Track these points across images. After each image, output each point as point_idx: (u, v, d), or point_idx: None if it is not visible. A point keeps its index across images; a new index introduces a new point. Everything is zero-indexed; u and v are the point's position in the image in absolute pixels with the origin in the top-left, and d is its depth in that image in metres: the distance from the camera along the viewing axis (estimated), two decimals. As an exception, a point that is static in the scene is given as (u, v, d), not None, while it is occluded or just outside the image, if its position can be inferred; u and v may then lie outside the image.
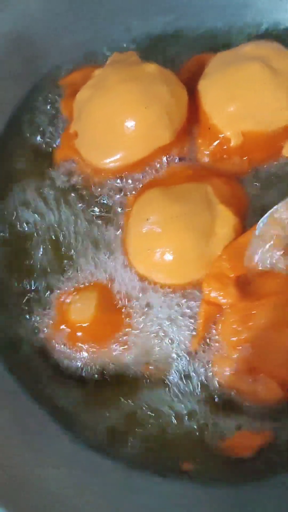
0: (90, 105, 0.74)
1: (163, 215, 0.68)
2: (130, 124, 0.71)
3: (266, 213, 0.69)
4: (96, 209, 0.77)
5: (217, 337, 0.66)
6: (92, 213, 0.77)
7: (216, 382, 0.65)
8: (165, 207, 0.69)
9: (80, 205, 0.77)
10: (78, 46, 0.86)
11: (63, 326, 0.71)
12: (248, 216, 0.74)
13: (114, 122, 0.72)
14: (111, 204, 0.76)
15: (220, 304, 0.65)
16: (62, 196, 0.78)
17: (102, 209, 0.77)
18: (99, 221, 0.76)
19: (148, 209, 0.70)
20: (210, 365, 0.66)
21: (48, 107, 0.83)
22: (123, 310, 0.71)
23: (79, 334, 0.70)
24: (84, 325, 0.70)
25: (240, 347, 0.62)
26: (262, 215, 0.71)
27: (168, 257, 0.67)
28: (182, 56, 0.85)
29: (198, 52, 0.84)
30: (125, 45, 0.87)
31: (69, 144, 0.77)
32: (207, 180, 0.72)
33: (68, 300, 0.72)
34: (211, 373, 0.66)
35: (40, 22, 0.83)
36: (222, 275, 0.65)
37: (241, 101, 0.73)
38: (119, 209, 0.76)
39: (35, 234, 0.76)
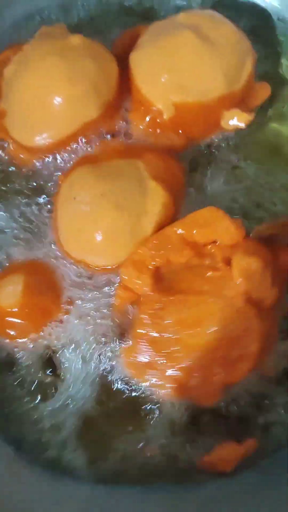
0: (16, 81, 0.72)
1: (91, 193, 0.66)
2: (55, 100, 0.69)
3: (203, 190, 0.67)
4: (27, 190, 0.75)
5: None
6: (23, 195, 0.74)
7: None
8: (92, 184, 0.66)
9: (9, 185, 0.75)
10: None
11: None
12: (184, 193, 0.71)
13: (40, 98, 0.69)
14: (41, 183, 0.74)
15: (135, 292, 0.63)
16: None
17: (33, 190, 0.74)
18: (31, 203, 0.73)
19: (76, 187, 0.67)
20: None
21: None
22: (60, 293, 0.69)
23: (9, 319, 0.67)
24: (13, 310, 0.67)
25: (144, 342, 0.61)
26: (198, 192, 0.71)
27: (98, 237, 0.65)
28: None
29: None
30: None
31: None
32: (139, 156, 0.69)
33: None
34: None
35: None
36: (141, 263, 0.63)
37: (171, 72, 0.69)
38: (51, 189, 0.74)
39: None
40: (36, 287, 0.68)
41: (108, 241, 0.65)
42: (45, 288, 0.69)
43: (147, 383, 0.62)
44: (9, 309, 0.67)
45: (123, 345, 0.65)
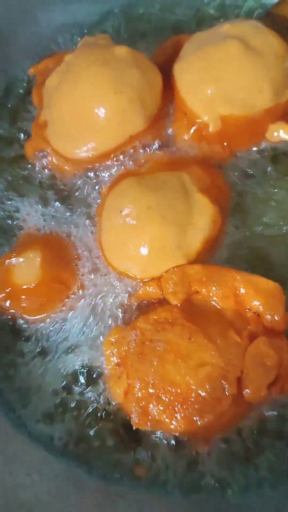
0: (59, 92, 0.71)
1: (137, 207, 0.65)
2: (100, 111, 0.68)
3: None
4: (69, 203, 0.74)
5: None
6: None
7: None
8: (138, 198, 0.65)
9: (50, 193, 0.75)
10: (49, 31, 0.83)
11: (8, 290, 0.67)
12: (229, 204, 0.70)
13: (83, 109, 0.69)
14: (84, 194, 0.74)
15: (164, 295, 0.62)
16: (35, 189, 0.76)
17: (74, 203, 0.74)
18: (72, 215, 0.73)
19: (121, 201, 0.67)
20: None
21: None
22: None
23: (25, 297, 0.67)
24: (31, 286, 0.67)
25: (134, 336, 0.60)
26: (242, 204, 0.69)
27: (144, 250, 0.64)
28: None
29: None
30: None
31: (39, 134, 0.74)
32: (184, 168, 0.69)
33: (9, 263, 0.68)
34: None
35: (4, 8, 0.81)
36: (188, 278, 0.62)
37: (218, 83, 0.68)
38: (93, 202, 0.73)
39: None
40: (52, 262, 0.68)
41: (155, 255, 0.64)
42: (61, 262, 0.69)
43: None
44: (26, 286, 0.66)
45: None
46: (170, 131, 0.73)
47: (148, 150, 0.72)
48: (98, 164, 0.73)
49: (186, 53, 0.72)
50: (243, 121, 0.69)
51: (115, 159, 0.72)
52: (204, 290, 0.62)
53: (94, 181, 0.74)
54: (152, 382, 0.57)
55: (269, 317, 0.60)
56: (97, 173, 0.74)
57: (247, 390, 0.56)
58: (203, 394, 0.55)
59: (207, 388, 0.55)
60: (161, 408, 0.56)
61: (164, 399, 0.56)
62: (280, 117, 0.71)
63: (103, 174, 0.74)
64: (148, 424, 0.57)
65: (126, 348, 0.60)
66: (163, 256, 0.64)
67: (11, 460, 0.61)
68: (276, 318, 0.60)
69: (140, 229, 0.64)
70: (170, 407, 0.56)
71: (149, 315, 0.61)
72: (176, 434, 0.59)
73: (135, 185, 0.67)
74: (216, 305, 0.62)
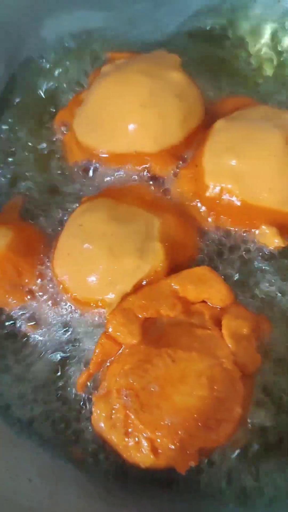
0: (103, 80, 0.72)
1: (95, 228, 0.66)
2: (121, 115, 0.70)
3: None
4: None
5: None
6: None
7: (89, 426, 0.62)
8: (101, 220, 0.66)
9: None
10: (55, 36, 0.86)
11: None
12: (188, 263, 0.70)
13: (111, 106, 0.71)
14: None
15: (120, 342, 0.61)
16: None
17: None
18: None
19: (87, 215, 0.68)
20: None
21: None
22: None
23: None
24: None
25: (124, 393, 0.57)
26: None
27: (80, 267, 0.66)
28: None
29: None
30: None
31: (72, 108, 0.77)
32: (160, 212, 0.69)
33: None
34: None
35: (13, 13, 0.81)
36: (130, 312, 0.61)
37: (241, 161, 0.67)
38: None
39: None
40: (19, 248, 0.69)
41: (87, 275, 0.65)
42: (26, 252, 0.70)
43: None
44: None
45: (96, 392, 0.61)
46: (173, 172, 0.73)
47: (144, 178, 0.73)
48: (99, 163, 0.74)
49: (234, 117, 0.73)
50: (243, 206, 0.69)
51: (115, 166, 0.74)
52: (150, 311, 0.62)
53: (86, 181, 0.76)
54: (170, 421, 0.55)
55: (216, 296, 0.62)
56: (96, 171, 0.75)
57: (245, 365, 0.59)
58: (220, 395, 0.57)
59: (219, 388, 0.57)
60: (197, 431, 0.55)
61: (195, 423, 0.56)
62: (275, 223, 0.70)
63: (97, 174, 0.75)
64: (193, 461, 0.56)
65: (118, 411, 0.58)
66: (97, 284, 0.64)
67: (12, 464, 0.60)
68: (223, 294, 0.62)
69: (86, 248, 0.65)
70: (203, 425, 0.56)
71: (122, 367, 0.59)
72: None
73: (107, 208, 0.68)
74: (170, 317, 0.62)
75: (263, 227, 0.69)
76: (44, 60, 0.87)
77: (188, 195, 0.71)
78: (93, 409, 0.59)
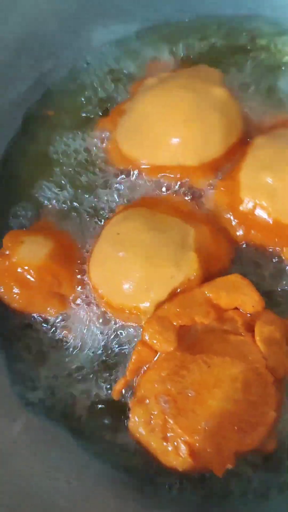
0: (147, 93, 0.75)
1: (132, 236, 0.67)
2: (164, 128, 0.72)
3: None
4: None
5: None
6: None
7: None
8: (138, 229, 0.67)
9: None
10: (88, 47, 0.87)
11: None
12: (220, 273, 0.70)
13: (154, 118, 0.73)
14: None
15: (156, 349, 0.62)
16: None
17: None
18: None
19: (124, 224, 0.69)
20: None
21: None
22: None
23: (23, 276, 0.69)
24: (29, 270, 0.68)
25: (161, 399, 0.59)
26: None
27: (116, 275, 0.67)
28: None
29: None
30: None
31: (114, 117, 0.79)
32: (196, 224, 0.70)
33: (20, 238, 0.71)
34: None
35: (50, 22, 0.82)
36: (166, 319, 0.63)
37: (277, 181, 0.68)
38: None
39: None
40: (58, 257, 0.70)
41: (121, 282, 0.66)
42: (65, 261, 0.71)
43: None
44: (25, 267, 0.68)
45: (132, 398, 0.63)
46: (210, 184, 0.75)
47: (179, 190, 0.75)
48: (139, 172, 0.76)
49: (274, 135, 0.74)
50: (274, 224, 0.69)
51: (157, 178, 0.75)
52: (184, 319, 0.63)
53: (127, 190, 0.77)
54: (207, 425, 0.57)
55: (248, 303, 0.64)
56: (136, 180, 0.77)
57: (276, 369, 0.61)
58: (253, 399, 0.58)
59: (253, 392, 0.59)
60: (233, 435, 0.57)
61: (230, 426, 0.57)
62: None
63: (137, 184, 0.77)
64: (229, 464, 0.57)
65: (156, 416, 0.59)
66: (132, 292, 0.66)
67: (51, 466, 0.62)
68: (255, 300, 0.64)
69: (122, 256, 0.66)
70: (238, 429, 0.57)
71: (159, 374, 0.61)
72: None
73: (143, 217, 0.69)
74: (204, 324, 0.64)
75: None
76: (79, 71, 0.88)
77: (223, 207, 0.72)
78: (130, 415, 0.61)
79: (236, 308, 0.65)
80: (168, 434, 0.58)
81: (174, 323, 0.63)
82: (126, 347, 0.70)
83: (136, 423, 0.60)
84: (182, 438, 0.57)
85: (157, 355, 0.63)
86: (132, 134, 0.75)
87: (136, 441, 0.61)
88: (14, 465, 0.59)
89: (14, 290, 0.69)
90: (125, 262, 0.66)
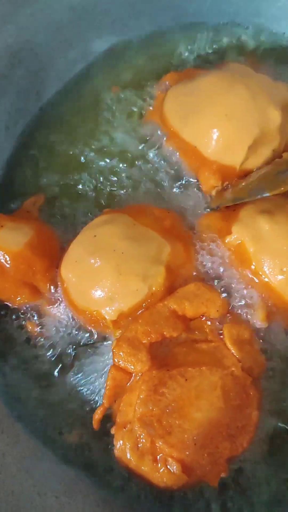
0: (210, 76, 0.75)
1: (108, 241, 0.67)
2: (211, 117, 0.72)
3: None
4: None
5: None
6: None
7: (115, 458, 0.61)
8: (116, 235, 0.67)
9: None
10: (83, 58, 0.87)
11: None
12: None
13: (207, 103, 0.73)
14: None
15: (130, 371, 0.62)
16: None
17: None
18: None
19: (103, 227, 0.69)
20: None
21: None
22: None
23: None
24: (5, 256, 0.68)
25: (146, 421, 0.58)
26: None
27: (85, 277, 0.67)
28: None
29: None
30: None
31: (160, 108, 0.80)
32: (173, 239, 0.70)
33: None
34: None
35: (44, 34, 0.82)
36: (135, 339, 0.62)
37: (271, 231, 0.67)
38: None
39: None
40: (38, 248, 0.69)
41: (92, 288, 0.66)
42: (44, 254, 0.70)
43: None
44: (1, 252, 0.68)
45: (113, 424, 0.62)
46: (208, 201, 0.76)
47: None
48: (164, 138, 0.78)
49: None
50: (253, 271, 0.69)
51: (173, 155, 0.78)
52: (154, 336, 0.63)
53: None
54: (195, 439, 0.57)
55: (212, 308, 0.64)
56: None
57: (252, 368, 0.61)
58: (236, 403, 0.59)
59: (234, 396, 0.59)
60: (222, 442, 0.57)
61: (218, 434, 0.57)
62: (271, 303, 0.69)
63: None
64: (223, 472, 0.58)
65: (143, 439, 0.58)
66: (97, 297, 0.66)
67: (40, 481, 0.61)
68: (218, 304, 0.64)
69: (95, 262, 0.66)
70: (227, 435, 0.58)
71: (138, 396, 0.60)
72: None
73: (122, 224, 0.69)
74: (174, 337, 0.63)
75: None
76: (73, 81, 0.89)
77: (213, 231, 0.72)
78: (114, 442, 0.60)
79: (202, 317, 0.65)
80: (158, 456, 0.58)
81: (144, 341, 0.62)
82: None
83: (123, 449, 0.59)
84: (173, 456, 0.57)
85: (132, 377, 0.62)
86: (181, 96, 0.76)
87: (125, 467, 0.60)
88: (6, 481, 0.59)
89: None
90: (95, 266, 0.65)
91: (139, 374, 0.61)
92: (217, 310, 0.64)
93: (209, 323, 0.65)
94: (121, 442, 0.59)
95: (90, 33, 0.86)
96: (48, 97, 0.87)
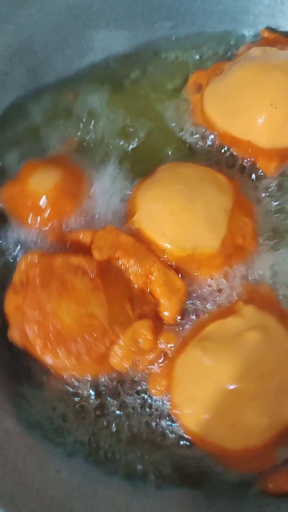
0: (248, 65, 0.76)
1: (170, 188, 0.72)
2: (253, 106, 0.74)
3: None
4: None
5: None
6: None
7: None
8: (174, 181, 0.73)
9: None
10: (81, 56, 0.88)
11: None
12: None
13: (247, 93, 0.74)
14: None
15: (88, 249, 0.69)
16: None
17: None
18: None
19: (170, 179, 0.74)
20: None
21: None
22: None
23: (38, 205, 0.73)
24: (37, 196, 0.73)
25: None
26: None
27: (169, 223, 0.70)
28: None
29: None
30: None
31: (211, 74, 0.81)
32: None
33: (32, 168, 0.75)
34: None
35: (42, 33, 0.84)
36: (115, 243, 0.69)
37: None
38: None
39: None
40: (65, 189, 0.73)
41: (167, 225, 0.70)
42: (74, 196, 0.74)
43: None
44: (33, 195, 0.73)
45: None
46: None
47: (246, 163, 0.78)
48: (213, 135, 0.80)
49: None
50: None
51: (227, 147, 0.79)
52: (124, 259, 0.67)
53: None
54: (42, 310, 0.63)
55: (163, 307, 0.67)
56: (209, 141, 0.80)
57: (115, 357, 0.64)
58: (79, 339, 0.63)
59: (84, 336, 0.63)
60: (38, 333, 0.63)
61: (47, 327, 0.63)
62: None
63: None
64: (21, 341, 0.64)
65: (37, 271, 0.66)
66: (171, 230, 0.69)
67: (42, 456, 0.64)
68: (167, 313, 0.67)
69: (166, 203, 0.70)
70: (46, 335, 0.63)
71: (70, 257, 0.66)
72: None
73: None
74: (127, 277, 0.67)
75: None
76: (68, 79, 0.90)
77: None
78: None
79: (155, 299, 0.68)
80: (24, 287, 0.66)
81: (116, 254, 0.67)
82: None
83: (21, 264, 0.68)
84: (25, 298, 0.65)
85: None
86: (218, 98, 0.77)
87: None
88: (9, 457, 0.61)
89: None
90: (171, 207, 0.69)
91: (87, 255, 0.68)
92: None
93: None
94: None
95: (86, 32, 0.87)
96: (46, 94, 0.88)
